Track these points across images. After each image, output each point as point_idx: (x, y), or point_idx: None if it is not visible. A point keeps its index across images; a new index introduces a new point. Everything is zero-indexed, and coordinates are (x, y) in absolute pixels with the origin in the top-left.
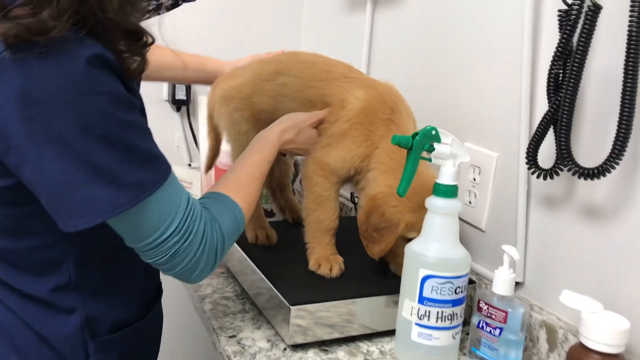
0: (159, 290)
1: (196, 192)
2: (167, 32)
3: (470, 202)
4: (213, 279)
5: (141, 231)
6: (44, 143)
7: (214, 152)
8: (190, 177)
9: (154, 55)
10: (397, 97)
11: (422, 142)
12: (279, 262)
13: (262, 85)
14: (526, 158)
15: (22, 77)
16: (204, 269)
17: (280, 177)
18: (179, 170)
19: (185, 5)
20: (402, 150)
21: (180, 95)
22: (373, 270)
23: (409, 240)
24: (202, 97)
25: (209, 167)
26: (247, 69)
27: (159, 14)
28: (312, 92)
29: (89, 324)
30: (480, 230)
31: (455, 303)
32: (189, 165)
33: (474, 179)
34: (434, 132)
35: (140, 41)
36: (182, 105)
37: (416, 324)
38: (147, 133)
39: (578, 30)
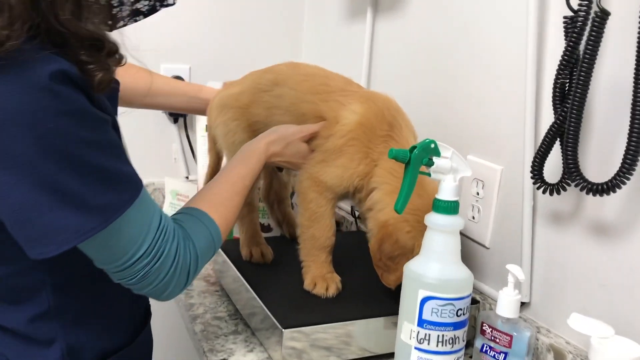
0: (147, 313)
1: None
2: (163, 44)
3: (473, 218)
4: (206, 297)
5: (111, 253)
6: (4, 166)
7: (214, 169)
8: (187, 190)
9: (143, 80)
10: (397, 111)
11: (421, 156)
12: (274, 280)
13: (259, 96)
14: (531, 172)
15: None
16: (175, 288)
17: (279, 190)
18: (176, 183)
19: (185, 18)
20: (403, 166)
21: None
22: (372, 290)
23: None
24: None
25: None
26: (246, 77)
27: (135, 20)
28: (306, 106)
29: (71, 355)
30: (485, 247)
31: (457, 326)
32: (187, 177)
33: (477, 193)
34: (432, 146)
35: (103, 51)
36: (179, 117)
37: (415, 348)
38: (116, 150)
39: (585, 38)
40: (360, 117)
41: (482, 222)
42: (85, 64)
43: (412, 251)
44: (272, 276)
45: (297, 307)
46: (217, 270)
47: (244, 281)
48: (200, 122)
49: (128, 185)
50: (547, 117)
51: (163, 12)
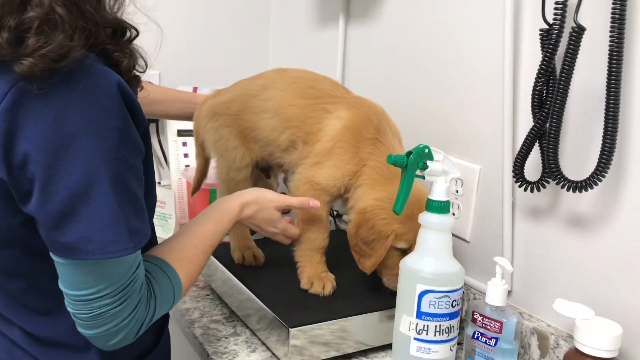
0: (167, 314)
1: (170, 212)
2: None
3: (454, 214)
4: (199, 301)
5: (82, 281)
6: (66, 170)
7: (202, 174)
8: (163, 196)
9: (143, 91)
10: (383, 117)
11: (417, 161)
12: (269, 281)
13: (250, 102)
14: (513, 172)
15: (56, 108)
16: (122, 341)
17: None
18: None
19: (153, 24)
20: (389, 165)
21: None
22: (363, 286)
23: (399, 250)
24: None
25: (196, 188)
26: (235, 85)
27: None
28: (292, 110)
29: (109, 358)
30: (465, 241)
31: (452, 316)
32: (159, 183)
33: (457, 191)
34: (427, 151)
35: (125, 36)
36: (150, 122)
37: (415, 338)
38: (141, 183)
39: (561, 49)
40: (346, 121)
41: (462, 218)
42: (111, 53)
43: (386, 237)
44: (266, 277)
45: (297, 307)
46: (205, 274)
47: (241, 284)
48: (171, 127)
49: (146, 220)
50: (524, 120)
51: (131, 19)
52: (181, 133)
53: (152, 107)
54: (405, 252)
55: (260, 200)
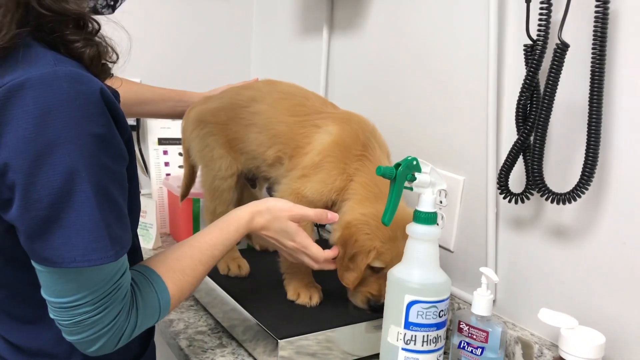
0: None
1: (151, 221)
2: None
3: (437, 224)
4: (184, 312)
5: (60, 289)
6: (46, 175)
7: (189, 180)
8: (144, 205)
9: (132, 91)
10: (372, 133)
11: (405, 173)
12: (254, 292)
13: (237, 112)
14: (498, 184)
15: (37, 114)
16: (102, 347)
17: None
18: None
19: (135, 32)
20: (377, 182)
21: (130, 120)
22: (347, 297)
23: (373, 269)
24: (152, 122)
25: (184, 195)
26: (224, 93)
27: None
28: (280, 127)
29: None
30: (449, 250)
31: (439, 326)
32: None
33: (441, 202)
34: (415, 163)
35: (86, 27)
36: (131, 130)
37: (402, 349)
38: (124, 192)
39: (544, 65)
40: (335, 137)
41: (446, 228)
42: (71, 43)
43: (367, 253)
44: (251, 288)
45: (284, 318)
46: None
47: (226, 294)
48: (152, 135)
49: (127, 228)
50: (507, 133)
51: (113, 26)
52: (162, 141)
53: (142, 107)
54: (377, 271)
55: (273, 209)
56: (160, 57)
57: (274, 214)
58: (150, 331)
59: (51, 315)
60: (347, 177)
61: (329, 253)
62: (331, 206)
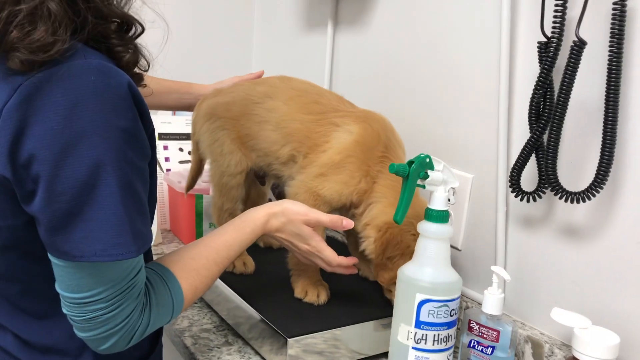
0: None
1: None
2: None
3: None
4: (188, 310)
5: (76, 284)
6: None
7: (196, 172)
8: None
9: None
10: (392, 132)
11: (418, 170)
12: (260, 290)
13: (250, 108)
14: (510, 182)
15: (65, 106)
16: (114, 345)
17: (256, 200)
18: None
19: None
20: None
21: None
22: (356, 294)
23: None
24: (152, 117)
25: (190, 186)
26: (237, 87)
27: None
28: (295, 125)
29: None
30: (457, 249)
31: (450, 325)
32: None
33: (449, 200)
34: (428, 160)
35: (130, 32)
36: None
37: (413, 347)
38: (147, 187)
39: (558, 62)
40: (356, 136)
41: (454, 226)
42: (114, 47)
43: (410, 253)
44: (257, 286)
45: (293, 316)
46: None
47: (232, 291)
48: None
49: (149, 224)
50: (518, 130)
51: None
52: (162, 136)
53: (148, 99)
54: None
55: (287, 213)
56: (160, 50)
57: (289, 217)
58: (160, 330)
59: (64, 310)
60: (370, 179)
61: (343, 259)
62: (349, 207)
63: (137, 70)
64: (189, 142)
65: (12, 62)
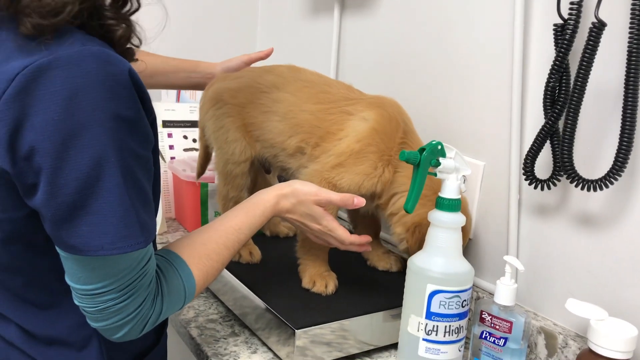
0: None
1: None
2: None
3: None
4: (193, 300)
5: (86, 277)
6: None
7: (204, 160)
8: None
9: (145, 62)
10: (406, 116)
11: (429, 158)
12: (267, 280)
13: (257, 97)
14: (523, 169)
15: (66, 95)
16: (128, 334)
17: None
18: None
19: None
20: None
21: None
22: (364, 285)
23: None
24: (156, 104)
25: (200, 173)
26: (245, 73)
27: None
28: (303, 116)
29: (108, 357)
30: (468, 238)
31: (461, 316)
32: None
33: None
34: (439, 147)
35: (126, 7)
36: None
37: (423, 339)
38: (150, 176)
39: (575, 45)
40: (373, 123)
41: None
42: (108, 19)
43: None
44: (263, 275)
45: (301, 306)
46: None
47: (238, 281)
48: (157, 117)
49: (153, 214)
50: (532, 117)
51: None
52: (166, 124)
53: (155, 79)
54: None
55: (297, 193)
56: (160, 37)
57: (299, 198)
58: (166, 321)
59: (76, 302)
60: (392, 168)
61: (357, 237)
62: (372, 198)
63: (129, 45)
64: (193, 129)
65: (24, 26)
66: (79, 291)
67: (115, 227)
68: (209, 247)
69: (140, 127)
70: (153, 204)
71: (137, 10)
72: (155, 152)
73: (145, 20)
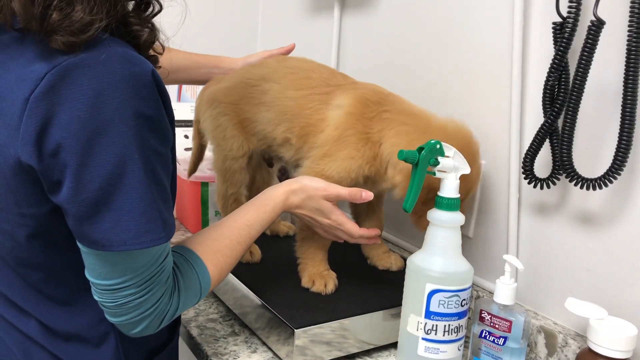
0: None
1: None
2: None
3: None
4: None
5: (106, 272)
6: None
7: (197, 158)
8: None
9: (166, 58)
10: (382, 93)
11: (428, 157)
12: (266, 279)
13: (248, 91)
14: (523, 168)
15: (91, 94)
16: (146, 329)
17: (261, 187)
18: None
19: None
20: (405, 121)
21: None
22: (364, 284)
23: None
24: None
25: (191, 171)
26: (236, 72)
27: None
28: (287, 103)
29: (124, 353)
30: (468, 237)
31: (460, 315)
32: None
33: None
34: (438, 146)
35: (148, 10)
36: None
37: (423, 338)
38: (169, 173)
39: (574, 43)
40: (347, 107)
41: (465, 214)
42: (132, 25)
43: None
44: (263, 275)
45: (299, 306)
46: None
47: (238, 281)
48: None
49: (172, 210)
50: (531, 115)
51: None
52: None
53: (177, 74)
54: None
55: (307, 188)
56: (180, 28)
57: (308, 193)
58: (179, 319)
59: (95, 297)
60: (374, 144)
61: (366, 231)
62: (370, 182)
63: (152, 52)
64: None
65: (55, 43)
66: (99, 286)
67: (138, 222)
68: (222, 243)
69: (161, 125)
70: (171, 200)
71: (159, 12)
72: (173, 151)
73: (163, 15)
